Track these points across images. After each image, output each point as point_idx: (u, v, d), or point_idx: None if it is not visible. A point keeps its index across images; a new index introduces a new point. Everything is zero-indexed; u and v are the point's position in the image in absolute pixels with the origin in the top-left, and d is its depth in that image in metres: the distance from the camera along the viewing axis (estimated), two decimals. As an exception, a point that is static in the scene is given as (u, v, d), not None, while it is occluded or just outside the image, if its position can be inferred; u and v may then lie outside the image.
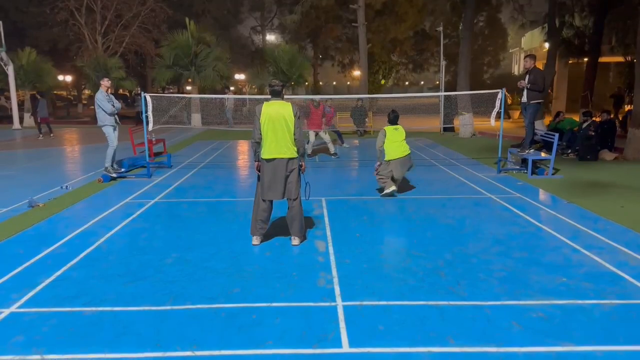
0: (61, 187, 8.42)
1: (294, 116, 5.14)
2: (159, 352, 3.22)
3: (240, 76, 38.28)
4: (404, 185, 8.17)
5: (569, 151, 12.10)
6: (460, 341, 3.32)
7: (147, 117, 10.02)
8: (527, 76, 9.54)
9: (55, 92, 35.46)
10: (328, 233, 5.80)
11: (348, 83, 55.53)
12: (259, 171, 5.31)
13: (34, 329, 3.53)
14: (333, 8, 32.88)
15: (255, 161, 5.37)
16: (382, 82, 32.99)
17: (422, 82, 71.17)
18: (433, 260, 4.89)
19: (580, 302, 3.91)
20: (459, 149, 13.74)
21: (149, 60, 31.27)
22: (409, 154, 7.82)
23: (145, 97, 9.97)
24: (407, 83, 49.84)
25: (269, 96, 5.35)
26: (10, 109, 22.77)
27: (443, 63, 21.10)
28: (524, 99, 9.71)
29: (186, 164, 11.33)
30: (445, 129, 18.99)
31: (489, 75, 45.41)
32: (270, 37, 45.70)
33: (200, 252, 5.19)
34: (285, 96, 5.42)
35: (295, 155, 5.20)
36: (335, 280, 4.39)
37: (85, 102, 39.03)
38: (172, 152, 12.57)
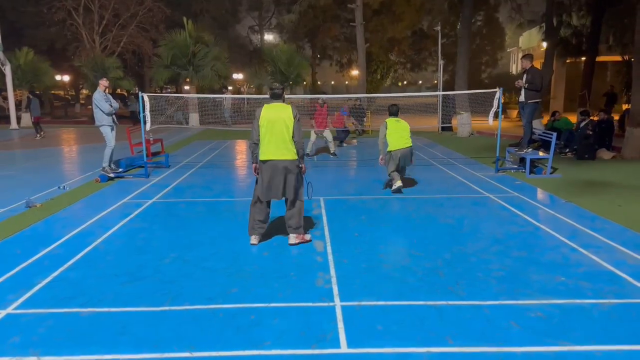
0: (59, 187, 8.39)
1: (294, 118, 5.13)
2: (156, 353, 3.21)
3: (238, 76, 38.24)
4: (403, 184, 8.15)
5: (567, 150, 12.12)
6: (459, 341, 3.31)
7: (144, 116, 9.99)
8: (525, 75, 9.55)
9: (52, 92, 35.40)
10: (326, 233, 5.78)
11: (346, 82, 55.56)
12: (257, 173, 5.30)
13: (31, 330, 3.51)
14: (331, 7, 32.89)
15: (252, 162, 5.37)
16: (379, 76, 32.93)
17: (420, 82, 71.28)
18: (432, 259, 4.89)
19: (578, 301, 3.91)
20: (457, 149, 13.75)
21: (147, 60, 31.21)
22: (411, 147, 7.96)
23: (142, 97, 9.95)
24: (405, 82, 49.87)
25: (267, 96, 5.35)
26: (8, 108, 22.70)
27: (441, 62, 21.12)
28: (522, 98, 9.71)
29: (184, 164, 11.31)
30: (443, 129, 19.00)
31: (487, 74, 45.48)
32: (269, 37, 45.70)
33: (199, 252, 5.17)
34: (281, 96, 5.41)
35: (294, 157, 5.18)
36: (334, 280, 4.38)
37: (83, 102, 38.94)
38: (170, 152, 12.55)
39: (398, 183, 7.80)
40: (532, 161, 9.44)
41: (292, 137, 5.15)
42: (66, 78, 35.55)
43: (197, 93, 22.31)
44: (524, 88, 9.49)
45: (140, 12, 27.89)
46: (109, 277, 4.50)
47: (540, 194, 7.91)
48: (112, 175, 9.21)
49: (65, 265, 4.77)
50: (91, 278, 4.48)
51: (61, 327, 3.57)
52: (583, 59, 21.75)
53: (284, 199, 5.33)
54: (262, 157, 5.18)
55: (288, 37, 38.99)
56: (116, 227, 6.08)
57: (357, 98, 18.74)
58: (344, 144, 14.95)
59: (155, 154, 12.29)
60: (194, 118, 22.36)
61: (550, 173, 9.32)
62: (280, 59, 21.86)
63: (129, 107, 25.43)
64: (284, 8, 41.31)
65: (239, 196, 8.16)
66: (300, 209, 5.34)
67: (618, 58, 22.11)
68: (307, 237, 5.44)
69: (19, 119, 22.50)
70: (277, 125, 5.08)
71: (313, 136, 12.37)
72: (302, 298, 4.01)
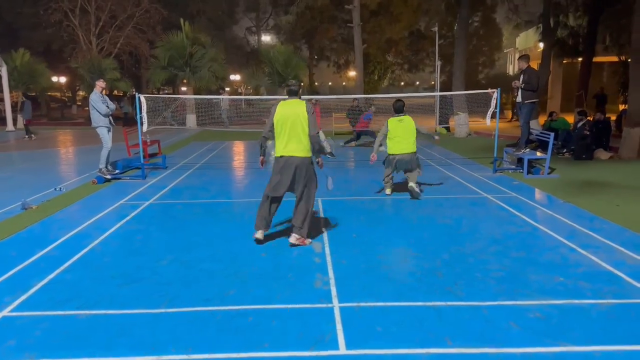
0: (55, 189, 8.35)
1: (307, 113, 5.13)
2: (154, 356, 3.18)
3: (235, 77, 38.20)
4: (400, 186, 8.13)
5: (565, 150, 12.13)
6: (458, 342, 3.29)
7: (141, 118, 9.96)
8: (522, 76, 9.56)
9: (49, 93, 35.29)
10: (324, 234, 5.76)
11: (344, 83, 55.57)
12: (263, 165, 5.34)
13: (26, 333, 3.48)
14: (328, 8, 32.92)
15: (260, 155, 5.42)
16: (377, 77, 33.00)
17: (417, 82, 71.34)
18: (430, 260, 4.87)
19: (577, 301, 3.90)
20: (454, 149, 13.75)
21: (144, 61, 31.17)
22: (413, 153, 7.42)
23: (139, 98, 9.92)
24: (402, 83, 49.91)
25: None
26: (4, 110, 22.63)
27: (438, 63, 21.16)
28: (519, 98, 9.73)
29: (181, 165, 11.28)
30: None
31: (484, 75, 45.50)
32: (266, 38, 45.62)
33: (196, 253, 5.15)
34: (281, 96, 5.42)
35: (307, 154, 5.16)
36: (332, 281, 4.36)
37: (80, 103, 38.86)
38: (167, 153, 12.51)
39: (387, 191, 7.66)
40: (529, 161, 9.44)
41: (307, 132, 5.12)
42: (63, 79, 35.46)
43: (194, 94, 22.26)
44: (521, 89, 9.50)
45: (137, 14, 27.85)
46: (106, 279, 4.47)
47: (538, 194, 7.90)
48: (108, 176, 9.18)
49: (62, 267, 4.74)
50: (88, 280, 4.44)
51: (58, 329, 3.54)
52: (580, 59, 21.84)
53: (292, 191, 5.31)
54: (276, 153, 5.21)
55: (285, 38, 39.01)
56: (113, 229, 6.05)
57: (354, 99, 18.74)
58: (346, 145, 15.00)
59: (152, 155, 12.25)
60: (192, 119, 22.32)
61: (548, 173, 9.32)
62: (278, 60, 21.84)
63: (122, 109, 25.38)
64: (281, 9, 41.34)
65: (236, 197, 8.13)
66: (308, 210, 5.26)
67: (614, 59, 22.21)
68: (307, 241, 5.36)
69: (15, 120, 22.43)
70: (291, 122, 5.09)
71: None
72: (300, 299, 3.99)
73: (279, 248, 5.30)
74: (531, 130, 10.18)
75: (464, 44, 18.95)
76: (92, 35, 27.66)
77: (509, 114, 24.39)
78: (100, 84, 9.27)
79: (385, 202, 7.41)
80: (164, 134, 18.39)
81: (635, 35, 11.48)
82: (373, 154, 7.59)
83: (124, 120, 22.39)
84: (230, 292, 4.16)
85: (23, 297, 4.07)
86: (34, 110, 19.90)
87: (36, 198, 7.71)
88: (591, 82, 20.98)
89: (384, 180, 7.77)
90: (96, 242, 5.54)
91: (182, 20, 22.86)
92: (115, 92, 30.64)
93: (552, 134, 9.56)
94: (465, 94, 16.15)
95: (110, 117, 9.30)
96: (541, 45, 21.59)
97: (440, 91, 21.27)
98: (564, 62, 25.57)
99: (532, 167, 9.68)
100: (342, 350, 3.22)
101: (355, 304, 3.88)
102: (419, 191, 7.46)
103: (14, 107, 22.98)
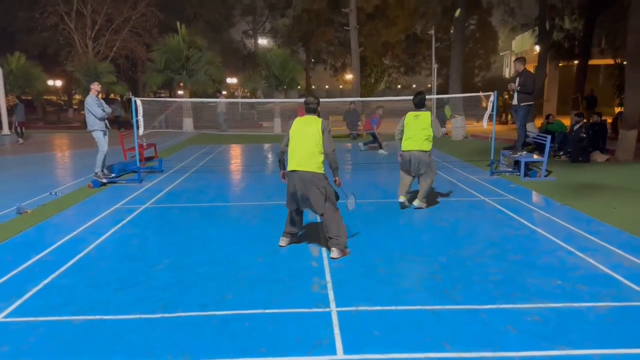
0: (50, 193, 8.30)
1: (322, 131, 5.08)
2: (149, 362, 3.15)
3: (232, 80, 38.19)
4: (397, 189, 8.08)
5: (561, 153, 12.16)
6: (456, 346, 3.28)
7: (137, 121, 9.92)
8: (518, 79, 9.58)
9: (45, 97, 35.18)
10: (321, 237, 5.74)
11: (341, 86, 55.64)
12: (284, 179, 5.29)
13: (21, 339, 3.45)
14: (325, 12, 32.99)
15: (280, 169, 5.37)
16: (373, 80, 33.06)
17: (414, 85, 71.37)
18: (428, 263, 4.86)
19: (575, 305, 3.89)
20: (451, 152, 13.75)
21: (140, 65, 31.12)
22: (426, 151, 6.79)
23: (135, 102, 9.89)
24: (399, 86, 49.99)
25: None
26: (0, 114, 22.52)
27: (435, 66, 21.21)
28: (515, 101, 9.75)
29: (178, 169, 11.24)
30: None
31: (481, 78, 45.61)
32: (263, 41, 45.67)
33: (192, 258, 5.12)
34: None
35: (319, 170, 5.05)
36: (330, 285, 4.34)
37: (76, 107, 38.73)
38: (164, 157, 12.47)
39: (400, 198, 7.03)
40: (526, 164, 9.45)
41: (322, 149, 5.07)
42: (58, 83, 35.34)
43: (191, 97, 22.22)
44: (516, 91, 9.52)
45: (134, 17, 27.82)
46: (101, 284, 4.43)
47: (535, 196, 7.91)
48: (104, 180, 9.13)
49: (57, 272, 4.70)
50: (83, 285, 4.41)
51: (52, 335, 3.50)
52: (575, 62, 21.92)
53: (305, 209, 5.27)
54: (289, 167, 5.18)
55: (282, 42, 39.04)
56: (109, 233, 6.01)
57: (351, 102, 18.76)
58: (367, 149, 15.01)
59: (148, 159, 12.22)
60: (188, 122, 22.28)
61: (545, 176, 9.33)
62: (275, 63, 21.83)
63: (114, 112, 25.31)
64: (277, 12, 41.40)
65: (233, 201, 8.10)
66: (332, 217, 5.08)
67: (610, 61, 22.28)
68: (347, 251, 5.19)
69: (10, 124, 22.33)
70: (303, 138, 5.08)
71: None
72: (297, 304, 3.96)
73: (276, 252, 5.28)
74: (527, 132, 10.20)
75: (460, 47, 19.00)
76: (88, 39, 27.60)
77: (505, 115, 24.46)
78: (95, 87, 9.22)
79: (382, 206, 7.40)
80: (161, 137, 18.34)
81: (631, 38, 11.54)
82: (399, 153, 7.04)
83: (117, 123, 22.31)
84: (226, 296, 4.13)
85: (17, 303, 4.03)
86: (30, 114, 19.83)
87: (31, 202, 7.66)
88: (587, 85, 21.06)
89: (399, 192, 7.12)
90: (92, 246, 5.50)
91: (178, 24, 22.82)
92: (112, 95, 30.56)
93: (549, 137, 9.57)
94: (462, 96, 16.17)
95: (106, 121, 9.26)
96: (537, 48, 21.67)
97: (437, 94, 21.29)
98: (560, 64, 25.65)
99: (529, 169, 9.69)
100: (340, 355, 3.20)
101: (352, 308, 3.86)
102: (424, 207, 7.04)
103: (9, 110, 22.89)
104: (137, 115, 9.90)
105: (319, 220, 6.46)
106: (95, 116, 9.00)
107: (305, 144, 5.07)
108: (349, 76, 37.58)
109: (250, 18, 45.78)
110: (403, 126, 6.93)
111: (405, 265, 4.84)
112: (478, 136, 17.66)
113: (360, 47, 25.26)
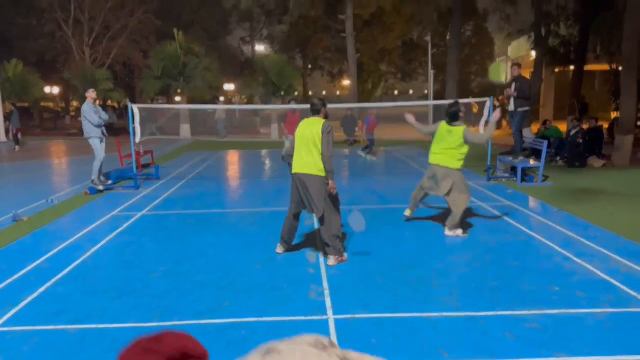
0: (46, 201, 8.27)
1: (322, 132, 4.98)
2: (145, 371, 3.12)
3: (229, 86, 38.24)
4: (394, 195, 8.10)
5: (558, 158, 12.18)
6: (454, 353, 3.26)
7: (134, 128, 9.91)
8: (514, 84, 9.61)
9: (42, 104, 35.16)
10: (318, 244, 5.73)
11: (337, 92, 55.78)
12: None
13: (16, 348, 3.42)
14: (321, 18, 33.05)
15: (290, 173, 5.36)
16: (370, 86, 33.17)
17: (411, 91, 71.69)
18: (425, 270, 4.85)
19: (573, 311, 3.88)
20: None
21: (137, 71, 31.12)
22: (449, 169, 5.94)
23: (132, 108, 9.87)
24: (396, 92, 50.15)
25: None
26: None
27: (431, 72, 21.28)
28: (511, 107, 9.78)
29: (175, 175, 11.22)
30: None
31: (477, 83, 45.81)
32: (259, 48, 45.75)
33: (189, 265, 5.10)
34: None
35: (319, 173, 4.99)
36: (326, 292, 4.33)
37: (73, 114, 38.66)
38: (160, 164, 12.44)
39: (407, 211, 6.63)
40: (523, 169, 9.47)
41: (321, 151, 5.00)
42: (56, 90, 35.27)
43: (188, 104, 22.22)
44: (513, 97, 9.56)
45: (131, 24, 27.85)
46: (97, 292, 4.41)
47: (532, 202, 7.91)
48: (101, 187, 9.11)
49: (53, 280, 4.67)
50: (79, 293, 4.38)
51: (48, 344, 3.48)
52: (571, 67, 22.00)
53: (310, 212, 5.21)
54: (292, 169, 5.19)
55: (279, 48, 39.10)
56: (105, 241, 5.99)
57: (348, 108, 18.79)
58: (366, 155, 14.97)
59: (145, 166, 12.18)
60: (185, 129, 22.28)
61: (542, 181, 9.34)
62: (272, 69, 21.87)
63: (109, 119, 25.30)
64: (274, 19, 41.46)
65: (230, 208, 8.09)
66: (330, 222, 5.01)
67: (606, 67, 22.38)
68: (345, 256, 5.18)
69: (7, 131, 22.28)
70: (305, 140, 5.07)
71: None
72: (294, 311, 3.94)
73: (272, 259, 5.26)
74: (523, 138, 10.23)
75: (456, 53, 19.10)
76: (85, 46, 27.60)
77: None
78: (91, 94, 9.21)
79: (379, 212, 7.39)
80: (157, 144, 18.32)
81: (626, 44, 11.61)
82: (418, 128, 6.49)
83: (111, 130, 22.32)
84: (223, 304, 4.11)
85: (13, 311, 4.00)
86: (27, 121, 19.79)
87: (27, 209, 7.63)
88: (583, 91, 21.15)
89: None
90: (88, 254, 5.48)
91: (175, 30, 22.86)
92: (109, 102, 30.54)
93: (546, 142, 9.60)
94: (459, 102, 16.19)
95: (103, 128, 9.25)
96: (533, 53, 21.77)
97: (434, 100, 21.36)
98: (556, 70, 25.77)
99: (526, 175, 9.70)
100: (337, 363, 3.18)
101: (349, 316, 3.84)
102: (460, 235, 5.98)
103: (5, 117, 22.86)
104: (133, 122, 9.88)
105: (316, 227, 6.46)
106: (92, 123, 8.98)
107: (305, 146, 5.06)
108: (345, 82, 37.70)
109: (247, 24, 45.86)
110: (434, 134, 6.21)
111: (402, 272, 4.82)
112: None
113: (356, 53, 25.38)
